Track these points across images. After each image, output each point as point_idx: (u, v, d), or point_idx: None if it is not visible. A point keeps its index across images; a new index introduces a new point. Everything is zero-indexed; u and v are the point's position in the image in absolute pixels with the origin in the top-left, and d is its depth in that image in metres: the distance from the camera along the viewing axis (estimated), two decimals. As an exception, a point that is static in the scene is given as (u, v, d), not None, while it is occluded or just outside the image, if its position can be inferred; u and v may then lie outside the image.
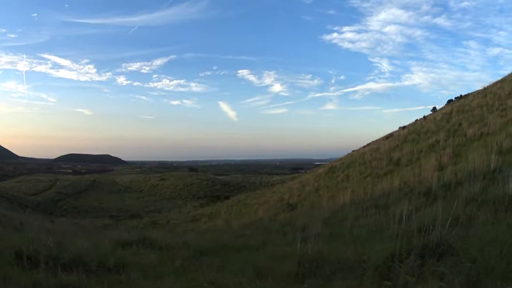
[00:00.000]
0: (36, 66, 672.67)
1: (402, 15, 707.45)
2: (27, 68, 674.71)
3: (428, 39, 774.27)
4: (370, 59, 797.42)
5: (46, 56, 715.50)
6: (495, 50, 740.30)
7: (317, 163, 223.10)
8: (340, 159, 52.95)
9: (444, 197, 8.87)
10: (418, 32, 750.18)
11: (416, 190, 10.65)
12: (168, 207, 58.22)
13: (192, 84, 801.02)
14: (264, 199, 29.88)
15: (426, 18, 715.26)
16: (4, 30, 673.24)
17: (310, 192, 22.95)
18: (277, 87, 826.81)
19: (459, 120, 21.93)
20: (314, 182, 26.74)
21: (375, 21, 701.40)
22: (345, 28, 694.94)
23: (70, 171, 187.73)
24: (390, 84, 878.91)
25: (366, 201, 12.12)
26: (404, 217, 6.89)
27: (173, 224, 34.62)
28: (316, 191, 22.60)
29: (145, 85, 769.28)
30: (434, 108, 57.14)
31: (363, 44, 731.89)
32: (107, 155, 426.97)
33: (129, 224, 38.43)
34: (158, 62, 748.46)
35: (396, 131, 57.18)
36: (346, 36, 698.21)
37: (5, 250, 6.90)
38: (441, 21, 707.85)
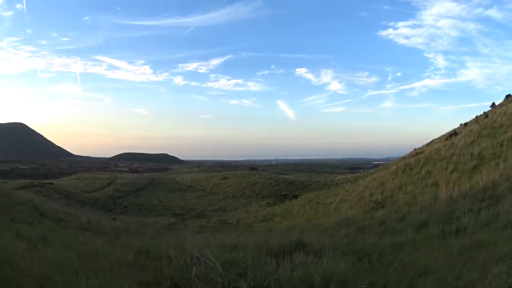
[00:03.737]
0: (90, 68, 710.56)
1: (455, 8, 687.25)
2: (81, 70, 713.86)
3: (481, 32, 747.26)
4: (425, 54, 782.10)
5: (100, 58, 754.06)
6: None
7: (375, 162, 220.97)
8: (408, 156, 52.28)
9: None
10: (471, 26, 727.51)
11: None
12: (233, 206, 58.25)
13: (250, 83, 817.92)
14: (340, 197, 29.66)
15: (478, 10, 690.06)
16: (56, 34, 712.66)
17: (394, 190, 22.72)
18: (334, 85, 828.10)
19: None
20: (393, 180, 26.41)
21: (428, 15, 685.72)
22: (400, 24, 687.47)
23: (127, 169, 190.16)
24: (446, 80, 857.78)
25: (472, 194, 12.18)
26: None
27: (245, 224, 34.91)
28: (399, 188, 22.31)
29: (203, 85, 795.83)
30: (493, 104, 55.35)
31: (418, 40, 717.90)
32: (164, 154, 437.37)
33: (196, 224, 38.95)
34: (215, 62, 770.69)
35: (458, 128, 55.79)
36: (401, 32, 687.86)
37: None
38: (493, 13, 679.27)
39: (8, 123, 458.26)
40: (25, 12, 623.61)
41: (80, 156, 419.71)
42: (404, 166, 29.11)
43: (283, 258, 6.13)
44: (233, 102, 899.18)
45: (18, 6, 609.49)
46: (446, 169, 21.39)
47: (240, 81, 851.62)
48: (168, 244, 8.64)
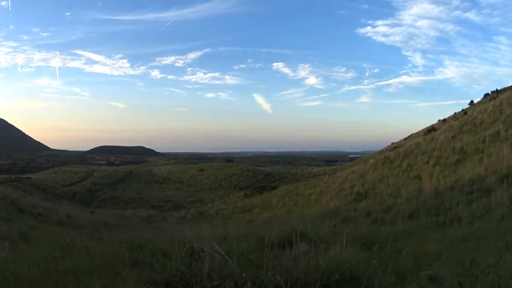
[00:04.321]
0: (69, 62, 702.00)
1: (434, 9, 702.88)
2: (60, 64, 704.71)
3: (460, 33, 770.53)
4: (403, 52, 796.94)
5: (79, 52, 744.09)
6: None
7: (352, 155, 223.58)
8: (387, 150, 52.79)
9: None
10: (450, 27, 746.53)
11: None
12: (210, 197, 58.48)
13: (227, 77, 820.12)
14: (319, 189, 29.73)
15: (456, 12, 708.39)
16: (37, 29, 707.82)
17: (375, 182, 22.81)
18: (311, 80, 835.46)
19: (512, 111, 21.80)
20: (373, 172, 26.54)
21: (407, 15, 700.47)
22: (379, 22, 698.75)
23: (104, 162, 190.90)
24: (424, 78, 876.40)
25: (459, 187, 12.23)
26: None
27: (223, 215, 34.80)
28: (380, 181, 22.40)
29: (180, 78, 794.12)
30: (472, 102, 56.87)
31: (397, 38, 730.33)
32: (141, 147, 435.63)
33: (175, 215, 38.98)
34: (193, 55, 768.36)
35: (436, 123, 56.80)
36: (379, 30, 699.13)
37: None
38: (471, 16, 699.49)
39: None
40: (10, 9, 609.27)
41: (58, 150, 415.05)
42: (384, 159, 29.26)
43: (284, 248, 5.95)
44: (210, 95, 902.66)
45: (3, 3, 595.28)
46: (428, 162, 21.57)
47: (217, 74, 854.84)
48: (161, 237, 8.43)
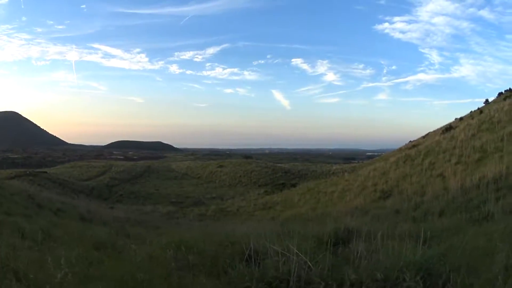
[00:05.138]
0: (86, 56, 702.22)
1: (449, 6, 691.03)
2: (77, 58, 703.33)
3: (474, 31, 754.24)
4: (420, 49, 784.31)
5: (96, 46, 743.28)
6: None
7: (369, 153, 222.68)
8: (405, 148, 52.79)
9: None
10: (465, 24, 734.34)
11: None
12: (230, 194, 58.34)
13: (246, 72, 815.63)
14: (341, 187, 30.01)
15: (471, 10, 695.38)
16: (51, 22, 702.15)
17: (398, 180, 23.14)
18: (330, 76, 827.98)
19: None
20: (395, 170, 26.84)
21: (424, 12, 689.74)
22: (396, 18, 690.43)
23: (122, 157, 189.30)
24: (440, 76, 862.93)
25: (484, 185, 12.62)
26: None
27: (245, 212, 35.11)
28: (403, 179, 22.74)
29: (198, 74, 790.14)
30: (487, 101, 56.26)
31: (414, 35, 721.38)
32: (159, 142, 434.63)
33: (195, 211, 39.16)
34: (211, 50, 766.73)
35: (454, 122, 56.55)
36: (397, 26, 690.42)
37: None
38: (485, 13, 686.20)
39: (0, 112, 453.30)
40: None
41: (74, 144, 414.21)
42: (405, 157, 29.51)
43: (340, 245, 5.94)
44: (228, 91, 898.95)
45: None
46: (450, 160, 21.85)
47: (236, 70, 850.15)
48: (211, 237, 7.89)
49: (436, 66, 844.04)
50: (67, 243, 8.09)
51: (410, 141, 70.46)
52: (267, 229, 8.95)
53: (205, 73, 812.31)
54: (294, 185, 48.21)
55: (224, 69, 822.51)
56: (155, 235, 12.10)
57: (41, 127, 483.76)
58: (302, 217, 21.65)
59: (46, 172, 67.33)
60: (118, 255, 6.81)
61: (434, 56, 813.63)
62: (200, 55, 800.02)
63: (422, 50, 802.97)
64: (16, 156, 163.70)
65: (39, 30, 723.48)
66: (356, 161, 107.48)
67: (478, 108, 52.49)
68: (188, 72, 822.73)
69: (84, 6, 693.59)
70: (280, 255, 4.91)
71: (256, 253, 5.39)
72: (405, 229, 7.32)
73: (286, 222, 15.87)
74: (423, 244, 5.29)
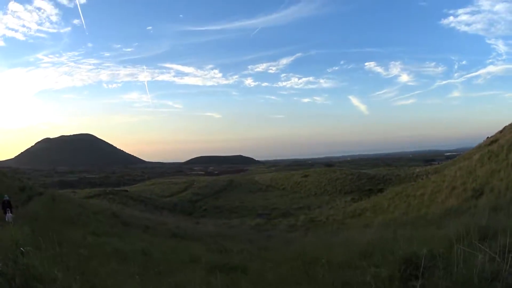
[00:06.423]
0: (158, 76, 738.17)
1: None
2: (149, 78, 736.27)
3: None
4: (487, 40, 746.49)
5: (167, 65, 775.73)
6: None
7: (448, 154, 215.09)
8: (484, 145, 51.43)
9: None
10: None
11: None
12: (316, 203, 58.64)
13: (321, 80, 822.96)
14: (430, 189, 30.07)
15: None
16: (118, 46, 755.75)
17: (486, 177, 23.11)
18: (404, 77, 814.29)
19: None
20: (480, 167, 26.65)
21: (485, 0, 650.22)
22: (460, 11, 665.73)
23: (203, 172, 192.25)
24: (508, 66, 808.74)
25: None
26: None
27: (335, 221, 35.31)
28: (491, 175, 22.68)
29: (274, 85, 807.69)
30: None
31: (478, 26, 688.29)
32: (239, 156, 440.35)
33: (284, 223, 39.91)
34: (284, 61, 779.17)
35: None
36: (461, 19, 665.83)
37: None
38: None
39: (75, 135, 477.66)
40: (84, 27, 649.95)
41: (152, 162, 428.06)
42: (489, 153, 29.40)
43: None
44: (306, 100, 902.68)
45: (76, 21, 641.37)
46: (541, 155, 21.92)
47: (311, 78, 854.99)
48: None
49: (504, 57, 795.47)
50: (178, 268, 8.45)
51: (488, 137, 68.51)
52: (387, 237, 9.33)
53: (280, 84, 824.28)
54: (380, 190, 48.30)
55: (299, 78, 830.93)
56: (292, 254, 12.04)
57: (118, 147, 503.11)
58: (397, 222, 22.06)
59: (127, 190, 69.58)
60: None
61: (501, 46, 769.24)
62: (274, 66, 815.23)
63: (489, 41, 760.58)
64: (92, 176, 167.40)
65: (107, 54, 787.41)
66: (437, 162, 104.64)
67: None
68: (264, 84, 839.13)
69: (150, 27, 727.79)
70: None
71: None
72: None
73: (397, 228, 15.68)
74: None
